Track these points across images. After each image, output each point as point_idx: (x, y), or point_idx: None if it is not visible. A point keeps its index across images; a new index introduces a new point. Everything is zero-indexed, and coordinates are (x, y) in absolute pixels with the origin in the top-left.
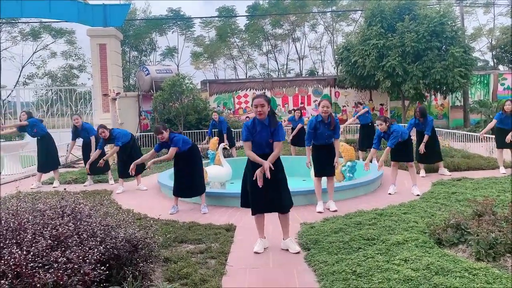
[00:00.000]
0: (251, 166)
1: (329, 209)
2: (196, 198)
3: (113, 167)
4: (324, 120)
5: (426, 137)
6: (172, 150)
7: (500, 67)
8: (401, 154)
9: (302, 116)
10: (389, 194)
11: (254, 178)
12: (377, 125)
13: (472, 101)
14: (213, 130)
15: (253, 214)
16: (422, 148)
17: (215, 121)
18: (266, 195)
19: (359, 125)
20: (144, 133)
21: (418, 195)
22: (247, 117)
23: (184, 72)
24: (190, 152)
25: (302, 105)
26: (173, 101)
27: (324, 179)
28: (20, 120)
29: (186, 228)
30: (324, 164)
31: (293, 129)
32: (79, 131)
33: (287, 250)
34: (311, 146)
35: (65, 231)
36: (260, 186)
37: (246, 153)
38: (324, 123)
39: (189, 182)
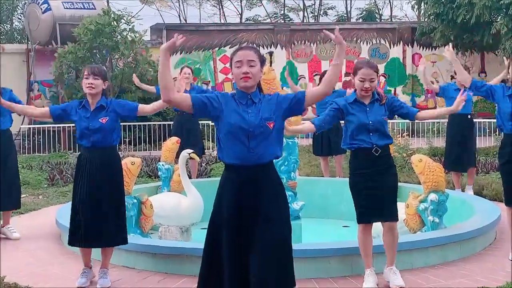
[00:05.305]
0: (227, 193)
1: (389, 283)
2: (126, 257)
3: None
4: (361, 100)
5: None
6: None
7: None
8: None
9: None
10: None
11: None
12: None
13: None
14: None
15: None
16: None
17: (186, 89)
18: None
19: (444, 120)
20: (36, 126)
21: None
22: None
23: (119, 8)
24: (113, 158)
25: (348, 76)
26: (96, 64)
27: (378, 226)
28: None
29: None
30: (374, 197)
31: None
32: None
33: None
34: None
35: None
36: None
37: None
38: (364, 104)
39: (99, 218)
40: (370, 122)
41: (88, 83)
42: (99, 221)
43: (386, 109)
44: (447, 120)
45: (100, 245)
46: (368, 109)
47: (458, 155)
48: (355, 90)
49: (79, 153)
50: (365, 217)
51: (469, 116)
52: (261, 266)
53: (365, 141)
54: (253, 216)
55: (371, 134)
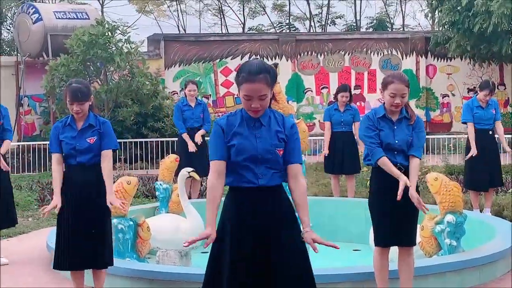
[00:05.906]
0: (233, 212)
1: None
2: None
3: None
4: (389, 116)
5: None
6: (108, 154)
7: None
8: None
9: (351, 102)
10: None
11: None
12: None
13: None
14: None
15: None
16: None
17: (189, 104)
18: None
19: (461, 136)
20: (26, 143)
21: None
22: None
23: (114, 18)
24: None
25: (358, 89)
26: (89, 77)
27: (393, 249)
28: None
29: None
30: (395, 219)
31: (334, 136)
32: None
33: None
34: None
35: None
36: None
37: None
38: (392, 121)
39: (89, 238)
40: (396, 141)
41: (75, 110)
42: (85, 241)
43: (413, 129)
44: (465, 135)
45: (86, 267)
46: (395, 127)
47: (479, 173)
48: (384, 104)
49: (64, 170)
50: (383, 240)
51: (490, 132)
52: (281, 275)
53: (390, 159)
54: (260, 231)
55: (395, 153)
